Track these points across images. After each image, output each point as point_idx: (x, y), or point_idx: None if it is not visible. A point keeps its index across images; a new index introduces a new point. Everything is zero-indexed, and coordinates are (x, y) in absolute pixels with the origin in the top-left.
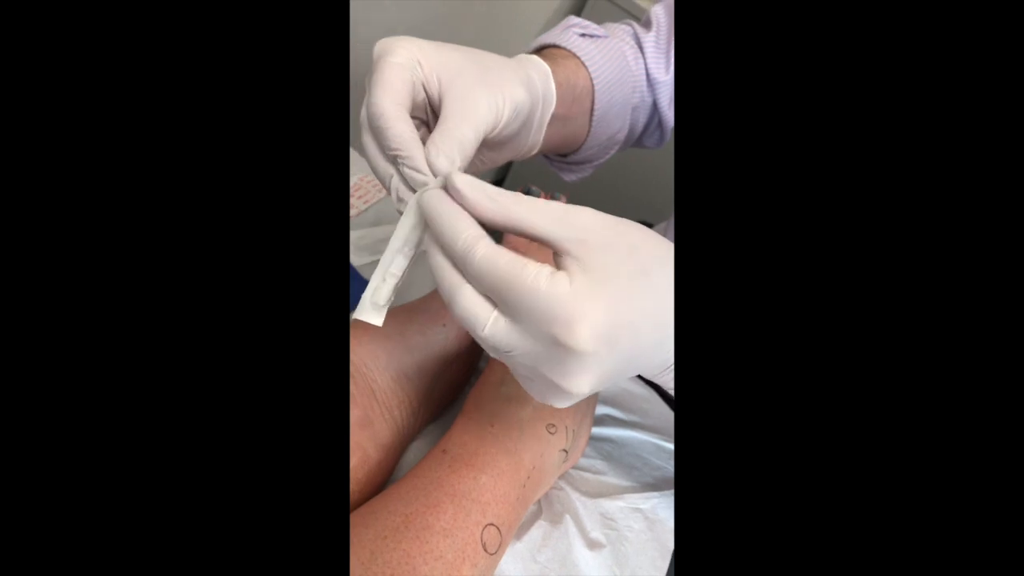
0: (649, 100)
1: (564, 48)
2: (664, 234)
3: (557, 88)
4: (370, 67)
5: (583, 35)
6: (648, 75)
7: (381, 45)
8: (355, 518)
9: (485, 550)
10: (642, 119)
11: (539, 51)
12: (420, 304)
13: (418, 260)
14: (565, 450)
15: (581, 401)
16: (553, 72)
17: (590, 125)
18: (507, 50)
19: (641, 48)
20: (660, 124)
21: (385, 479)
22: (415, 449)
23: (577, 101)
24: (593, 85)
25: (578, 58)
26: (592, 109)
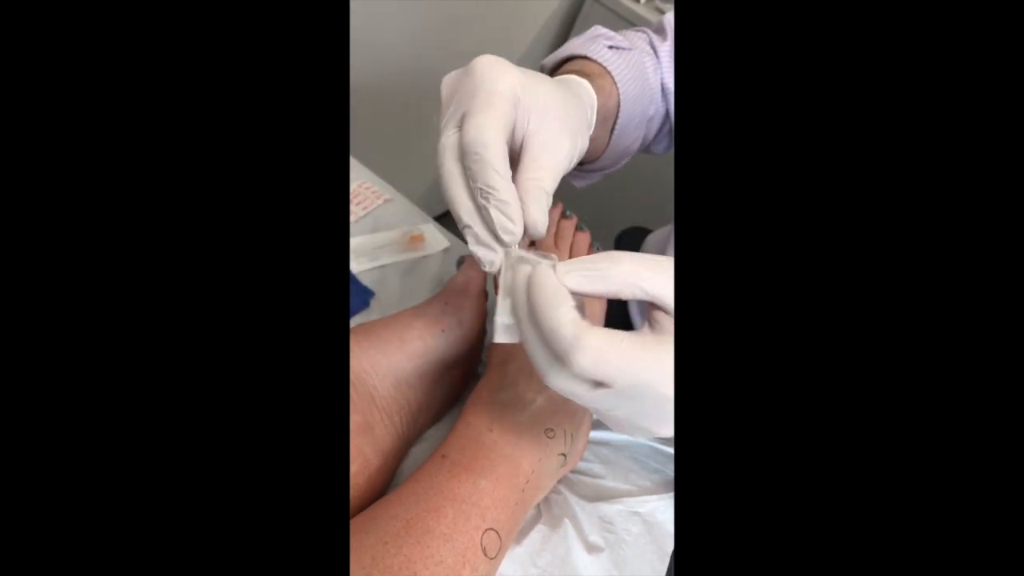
0: (662, 109)
1: (596, 61)
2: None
3: (595, 114)
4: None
5: (610, 47)
6: (663, 85)
7: (482, 65)
8: (356, 524)
9: (485, 554)
10: (654, 128)
11: (567, 61)
12: (420, 310)
13: (411, 269)
14: (563, 454)
15: (578, 406)
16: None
17: (610, 138)
18: (506, 51)
19: (657, 57)
20: (670, 132)
21: (386, 484)
22: (415, 454)
23: (604, 122)
24: (619, 102)
25: (610, 75)
26: (614, 124)
